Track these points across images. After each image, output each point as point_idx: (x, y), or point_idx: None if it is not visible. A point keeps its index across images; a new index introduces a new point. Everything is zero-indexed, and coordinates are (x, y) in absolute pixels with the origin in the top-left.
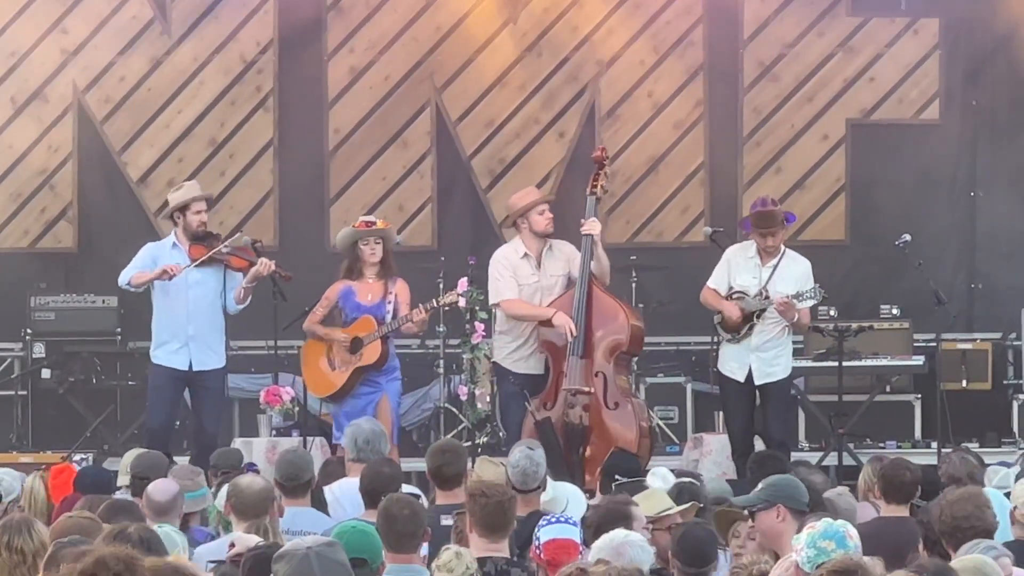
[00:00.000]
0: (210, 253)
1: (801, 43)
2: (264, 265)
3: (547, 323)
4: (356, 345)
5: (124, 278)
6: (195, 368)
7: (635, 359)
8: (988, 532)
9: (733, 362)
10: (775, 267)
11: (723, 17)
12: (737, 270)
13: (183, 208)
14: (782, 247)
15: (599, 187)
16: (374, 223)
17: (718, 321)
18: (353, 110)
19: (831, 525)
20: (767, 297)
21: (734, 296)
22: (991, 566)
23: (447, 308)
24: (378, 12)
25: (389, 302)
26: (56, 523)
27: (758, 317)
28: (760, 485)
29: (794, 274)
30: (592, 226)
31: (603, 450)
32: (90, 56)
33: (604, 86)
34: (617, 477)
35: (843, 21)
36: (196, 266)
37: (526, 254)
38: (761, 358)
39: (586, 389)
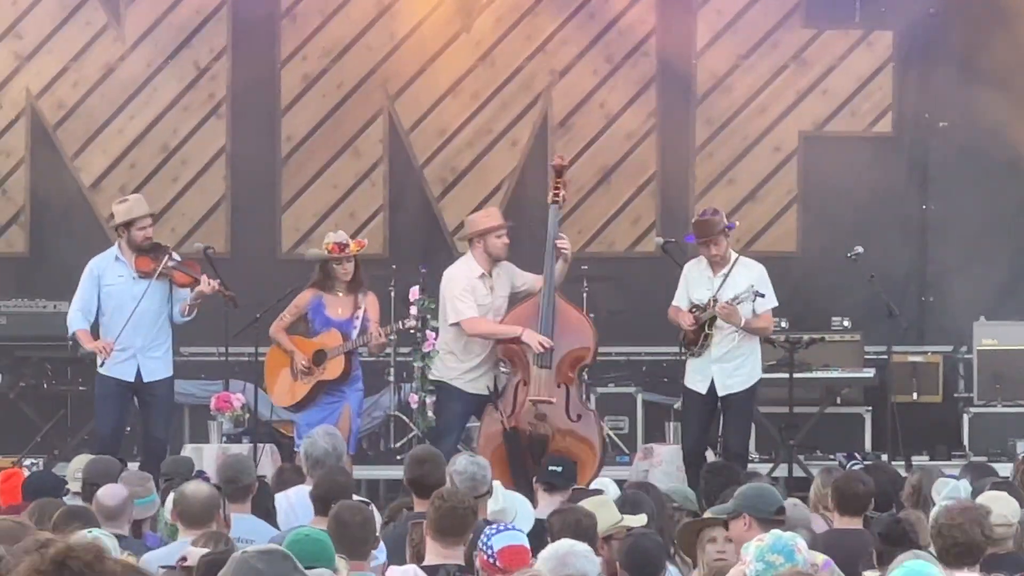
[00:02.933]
0: (158, 268)
1: (754, 55)
2: (207, 285)
3: (514, 341)
4: (319, 358)
5: (71, 327)
6: (144, 379)
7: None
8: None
9: (696, 374)
10: (726, 275)
11: (676, 28)
12: (693, 284)
13: (128, 224)
14: (733, 255)
15: (560, 195)
16: (346, 246)
17: (680, 337)
18: (306, 117)
19: (780, 538)
20: (714, 305)
21: (692, 311)
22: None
23: (411, 331)
24: (332, 20)
25: (357, 318)
26: None
27: (710, 327)
28: (735, 494)
29: (748, 279)
30: (566, 243)
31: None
32: (43, 61)
33: (557, 96)
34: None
35: (797, 33)
36: (139, 278)
37: (483, 275)
38: (723, 369)
39: (552, 400)
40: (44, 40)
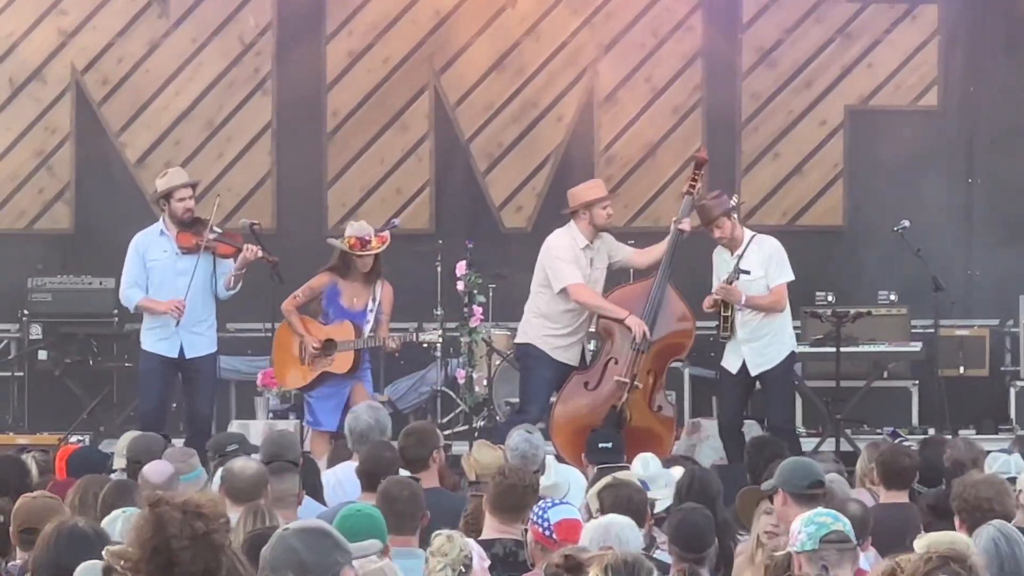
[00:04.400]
0: (200, 242)
1: (799, 29)
2: (250, 251)
3: (617, 321)
4: (329, 347)
5: (130, 300)
6: (187, 356)
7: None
8: (1007, 518)
9: (731, 355)
10: (741, 255)
11: (722, 2)
12: (719, 269)
13: (167, 195)
14: (748, 233)
15: (697, 188)
16: (368, 241)
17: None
18: (351, 93)
19: (821, 508)
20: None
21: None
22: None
23: (424, 345)
24: None
25: (371, 311)
26: (19, 504)
27: (726, 309)
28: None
29: (759, 258)
30: (687, 224)
31: (634, 448)
32: (88, 37)
33: (603, 70)
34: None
35: (842, 7)
36: (183, 254)
37: (587, 246)
38: (752, 348)
39: (638, 384)
40: (89, 16)
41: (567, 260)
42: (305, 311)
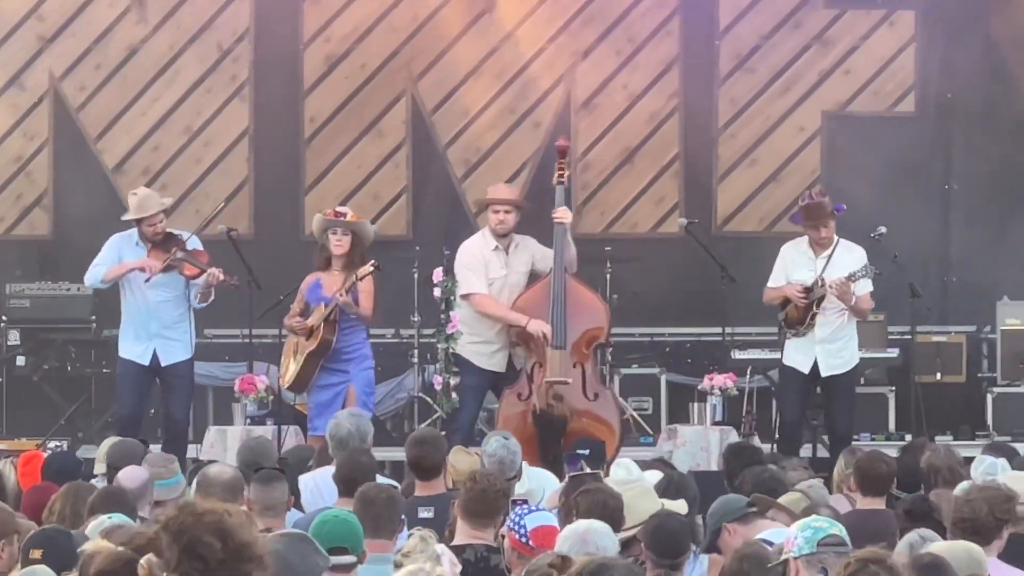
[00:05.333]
0: (167, 261)
1: (777, 35)
2: (212, 276)
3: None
4: (312, 333)
5: (95, 276)
6: (162, 363)
7: (609, 349)
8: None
9: (799, 354)
10: (829, 256)
11: (699, 8)
12: (793, 266)
13: (138, 220)
14: (835, 237)
15: (566, 176)
16: (344, 214)
17: (782, 317)
18: (329, 99)
19: (815, 515)
20: (823, 284)
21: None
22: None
23: (362, 278)
24: (355, 1)
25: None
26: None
27: (818, 306)
28: (708, 522)
29: (849, 262)
30: (565, 214)
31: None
32: (66, 43)
33: (580, 76)
34: (579, 459)
35: (819, 13)
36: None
37: (497, 247)
38: (827, 349)
39: (567, 380)
40: (67, 22)
41: (471, 268)
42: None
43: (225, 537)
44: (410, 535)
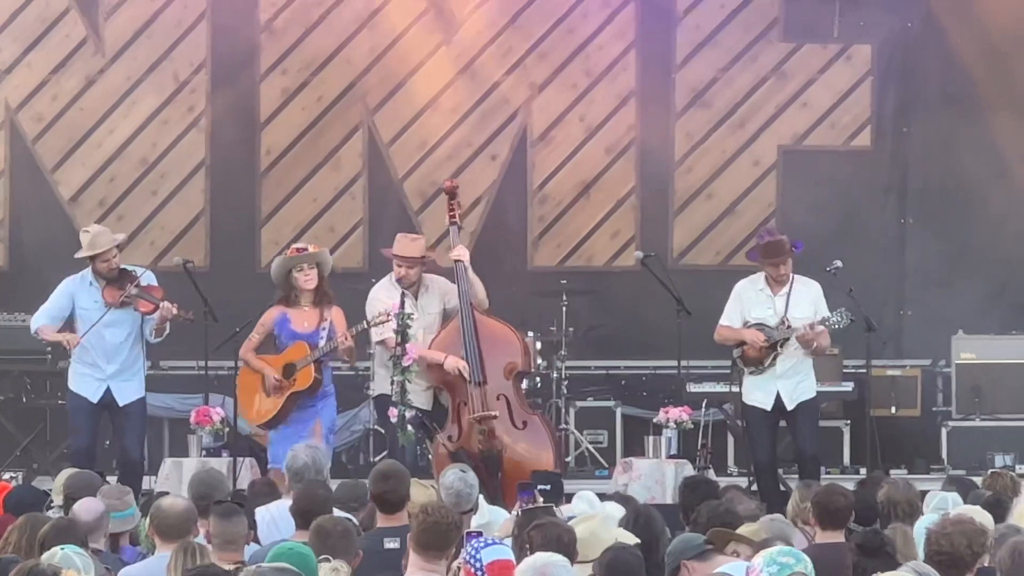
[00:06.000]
0: (121, 297)
1: (733, 68)
2: (166, 309)
3: (438, 368)
4: (289, 371)
5: (34, 325)
6: (119, 403)
7: (536, 379)
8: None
9: (758, 391)
10: (788, 295)
11: (656, 42)
12: (750, 304)
13: (91, 257)
14: (790, 275)
15: (457, 215)
16: (305, 248)
17: (738, 355)
18: (285, 131)
19: (783, 548)
20: (789, 326)
21: (752, 328)
22: None
23: (376, 325)
24: (311, 33)
25: (324, 328)
26: None
27: (782, 346)
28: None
29: (808, 298)
30: (461, 252)
31: (520, 470)
32: (23, 74)
33: (536, 109)
34: (532, 491)
35: (776, 47)
36: (111, 310)
37: (404, 293)
38: (788, 384)
39: (493, 414)
40: (23, 53)
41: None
42: (262, 351)
43: None
44: (320, 561)
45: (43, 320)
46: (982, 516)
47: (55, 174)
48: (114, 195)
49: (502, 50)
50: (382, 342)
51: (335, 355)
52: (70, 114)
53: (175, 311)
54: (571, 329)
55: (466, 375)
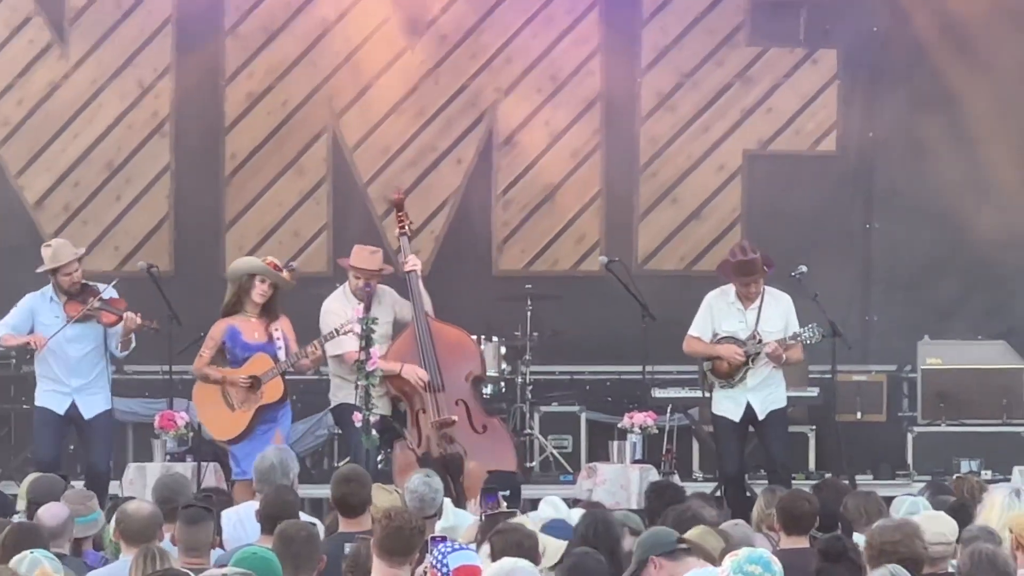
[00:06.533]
0: (83, 311)
1: (699, 72)
2: (130, 320)
3: (397, 376)
4: (256, 384)
5: None
6: (85, 416)
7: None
8: (915, 561)
9: (728, 401)
10: (759, 308)
11: (621, 46)
12: (721, 316)
13: (53, 271)
14: (761, 290)
15: (407, 226)
16: (283, 270)
17: (708, 368)
18: (250, 135)
19: (754, 551)
20: (760, 340)
21: (723, 342)
22: None
23: (347, 335)
24: (276, 38)
25: (279, 339)
26: None
27: (753, 361)
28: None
29: (779, 312)
30: (414, 262)
31: (482, 473)
32: None
33: (501, 114)
34: (496, 496)
35: (741, 51)
36: (73, 323)
37: (359, 304)
38: (757, 395)
39: (452, 418)
40: None
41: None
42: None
43: None
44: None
45: (3, 331)
46: (946, 522)
47: (19, 179)
48: (78, 200)
49: (467, 55)
50: (339, 356)
51: (298, 367)
52: (34, 119)
53: (139, 321)
54: (536, 334)
55: (424, 382)
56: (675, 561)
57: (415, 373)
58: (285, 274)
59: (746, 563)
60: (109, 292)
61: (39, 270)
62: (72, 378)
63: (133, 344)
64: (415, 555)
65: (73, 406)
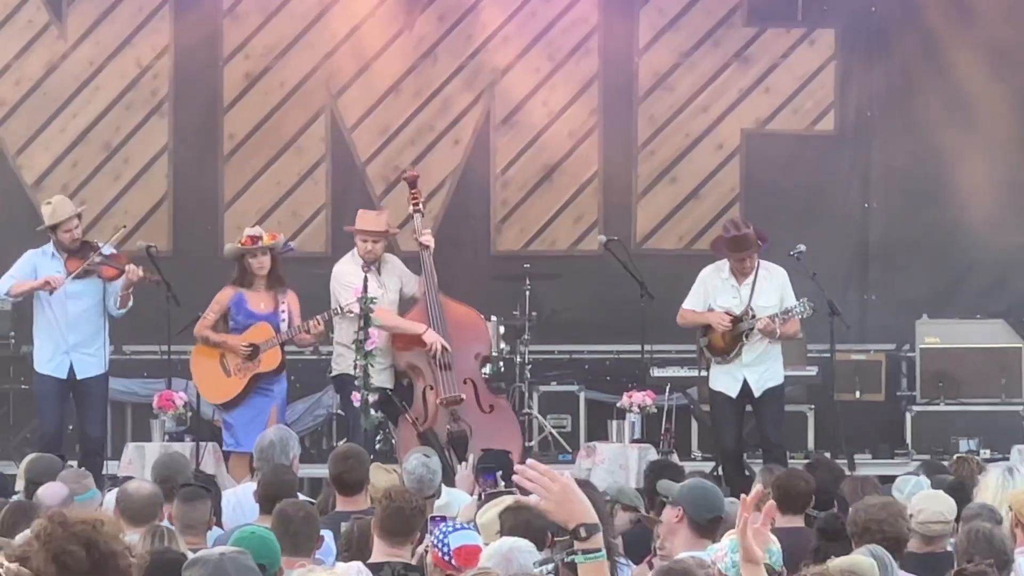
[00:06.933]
0: (83, 266)
1: (696, 52)
2: (132, 272)
3: (415, 339)
4: (253, 352)
5: (2, 287)
6: (78, 376)
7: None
8: (898, 540)
9: (726, 376)
10: (753, 283)
11: (619, 26)
12: (715, 292)
13: (53, 227)
14: (755, 265)
15: (420, 202)
16: (260, 238)
17: (704, 344)
18: (248, 115)
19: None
20: (754, 316)
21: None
22: (864, 565)
23: (350, 314)
24: (274, 18)
25: (283, 311)
26: None
27: (747, 336)
28: (687, 484)
29: (774, 286)
30: (429, 238)
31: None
32: None
33: (499, 94)
34: (494, 474)
35: (739, 31)
36: (73, 278)
37: (368, 269)
38: (755, 371)
39: (460, 396)
40: None
41: (352, 287)
42: (215, 331)
43: (91, 547)
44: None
45: (11, 281)
46: (944, 501)
47: (18, 159)
48: (77, 180)
49: (465, 34)
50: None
51: (298, 341)
52: (33, 99)
53: (140, 273)
54: (534, 313)
55: (438, 352)
56: (696, 533)
57: (437, 340)
58: (265, 238)
59: None
60: (108, 248)
61: (39, 228)
62: (70, 334)
63: (131, 303)
64: (416, 535)
65: (71, 369)
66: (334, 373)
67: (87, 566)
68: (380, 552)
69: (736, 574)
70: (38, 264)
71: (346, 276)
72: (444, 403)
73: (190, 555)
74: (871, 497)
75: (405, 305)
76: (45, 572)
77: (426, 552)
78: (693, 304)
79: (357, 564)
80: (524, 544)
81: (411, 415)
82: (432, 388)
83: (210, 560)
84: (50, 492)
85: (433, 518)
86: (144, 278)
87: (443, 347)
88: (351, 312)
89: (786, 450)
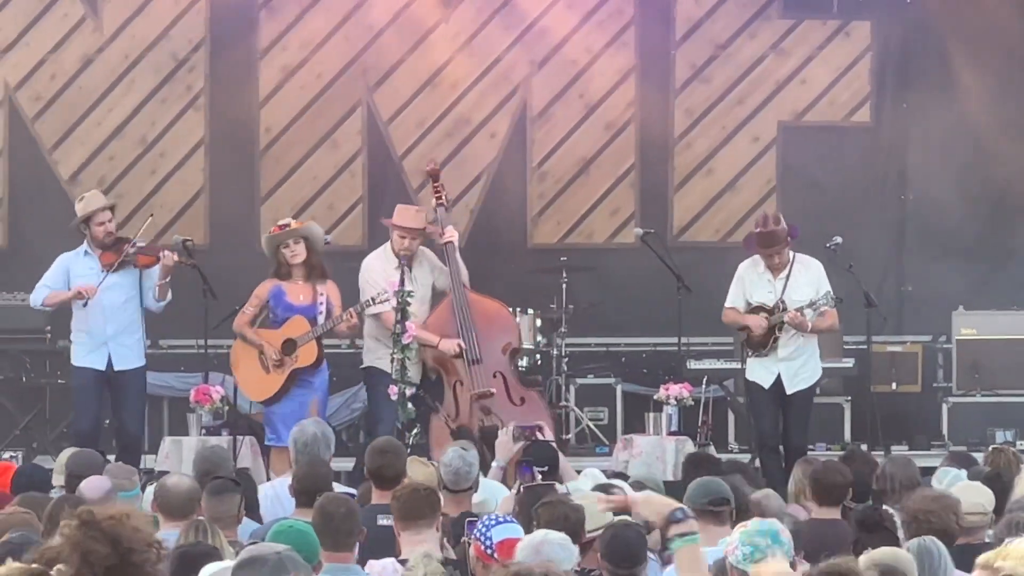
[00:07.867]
0: (118, 259)
1: (733, 45)
2: (167, 257)
3: (439, 332)
4: (290, 347)
5: (37, 298)
6: (115, 368)
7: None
8: (946, 533)
9: (762, 369)
10: (787, 276)
11: (655, 18)
12: (752, 287)
13: (87, 220)
14: (791, 254)
15: (443, 197)
16: (288, 224)
17: (743, 340)
18: (284, 109)
19: (763, 522)
20: (784, 309)
21: (761, 314)
22: (902, 558)
23: (381, 303)
24: (310, 10)
25: (321, 303)
26: None
27: (780, 330)
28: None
29: (809, 279)
30: (452, 233)
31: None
32: (21, 54)
33: (536, 86)
34: (531, 468)
35: (775, 23)
36: (110, 272)
37: (399, 264)
38: (790, 367)
39: (490, 390)
40: (22, 33)
41: (373, 284)
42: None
43: (116, 542)
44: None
45: (46, 291)
46: (982, 492)
47: (54, 153)
48: (113, 174)
49: (501, 27)
50: (377, 315)
51: (335, 332)
52: (69, 93)
53: (176, 258)
54: (571, 306)
55: (462, 353)
56: (704, 520)
57: (452, 346)
58: (293, 224)
59: (755, 535)
60: (142, 241)
61: (73, 223)
62: (107, 325)
63: (170, 295)
64: (436, 518)
65: (109, 360)
66: (364, 365)
67: (111, 561)
68: (408, 544)
69: (748, 566)
70: (71, 266)
71: (371, 272)
72: (474, 397)
73: (229, 549)
74: (926, 490)
75: (436, 299)
76: (77, 570)
77: (468, 545)
78: (734, 301)
79: (391, 560)
80: (556, 536)
81: (443, 413)
82: (461, 383)
83: (270, 559)
84: (92, 485)
85: (469, 522)
86: (180, 261)
87: (460, 347)
88: (383, 300)
89: (805, 454)
